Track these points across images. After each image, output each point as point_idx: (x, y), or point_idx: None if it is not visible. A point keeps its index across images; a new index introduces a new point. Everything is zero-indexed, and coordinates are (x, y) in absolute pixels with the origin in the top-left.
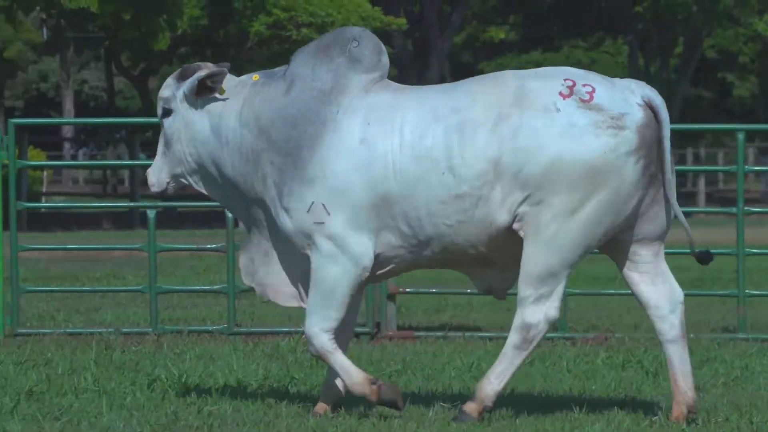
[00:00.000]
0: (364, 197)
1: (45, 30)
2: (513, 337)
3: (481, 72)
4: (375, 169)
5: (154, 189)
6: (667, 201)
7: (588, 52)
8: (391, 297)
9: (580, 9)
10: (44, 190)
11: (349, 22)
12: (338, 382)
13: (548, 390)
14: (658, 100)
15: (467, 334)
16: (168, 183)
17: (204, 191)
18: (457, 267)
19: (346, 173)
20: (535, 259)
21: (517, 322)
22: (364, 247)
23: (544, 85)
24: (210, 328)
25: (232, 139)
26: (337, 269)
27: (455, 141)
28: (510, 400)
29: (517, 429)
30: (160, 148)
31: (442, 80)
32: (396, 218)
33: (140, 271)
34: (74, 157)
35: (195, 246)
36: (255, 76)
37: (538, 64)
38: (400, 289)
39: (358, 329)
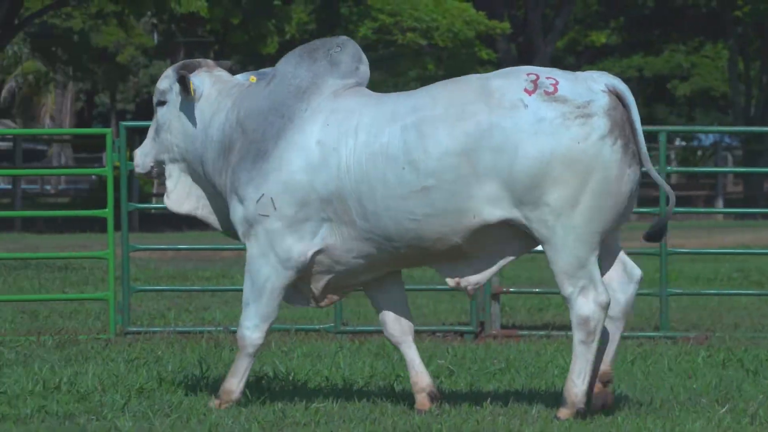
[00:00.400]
0: (311, 195)
1: (156, 34)
2: (577, 335)
3: None
4: (327, 169)
5: (137, 170)
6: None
7: (688, 56)
8: (495, 296)
9: (680, 13)
10: (154, 191)
11: (454, 27)
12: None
13: (649, 388)
14: (622, 86)
15: (570, 333)
16: (152, 167)
17: (172, 184)
18: (427, 262)
19: (299, 171)
20: (558, 259)
21: (574, 319)
22: (293, 247)
23: (508, 82)
24: (317, 327)
25: (217, 137)
26: (268, 267)
27: (413, 137)
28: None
29: (619, 427)
30: (151, 133)
31: None
32: (350, 213)
33: None
34: None
35: None
36: (252, 78)
37: (640, 69)
38: (504, 289)
39: (463, 328)
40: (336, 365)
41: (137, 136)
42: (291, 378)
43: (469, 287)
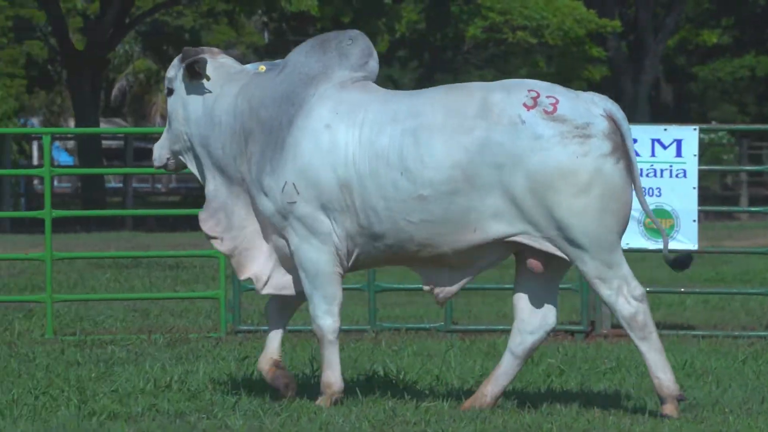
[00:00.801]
0: (325, 178)
1: (267, 33)
2: (633, 335)
3: (695, 76)
4: (336, 154)
5: (155, 164)
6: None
7: None
8: None
9: None
10: None
11: (564, 25)
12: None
13: (761, 388)
14: (620, 114)
15: (680, 332)
16: (168, 159)
17: (195, 172)
18: (410, 264)
19: (310, 154)
20: (587, 269)
21: (623, 322)
22: (328, 226)
23: (508, 96)
24: (427, 326)
25: (225, 121)
26: (312, 250)
27: (410, 143)
28: (721, 397)
29: (729, 426)
30: (167, 125)
31: (656, 83)
32: (354, 205)
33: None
34: None
35: None
36: (261, 67)
37: (752, 68)
38: None
39: (573, 327)
40: (446, 364)
41: None
42: (401, 377)
43: (440, 295)
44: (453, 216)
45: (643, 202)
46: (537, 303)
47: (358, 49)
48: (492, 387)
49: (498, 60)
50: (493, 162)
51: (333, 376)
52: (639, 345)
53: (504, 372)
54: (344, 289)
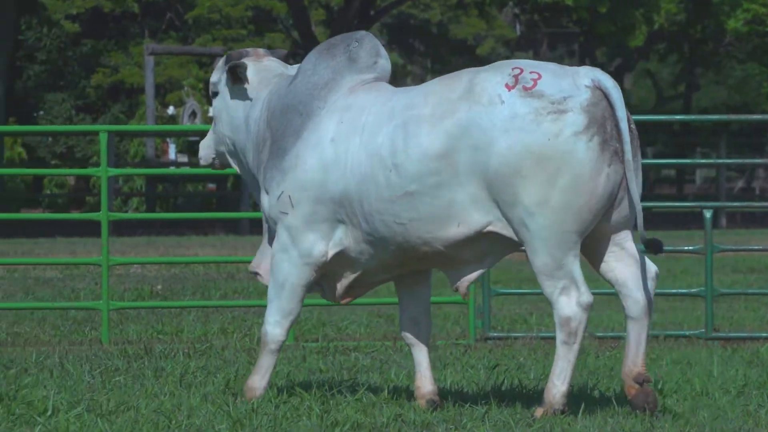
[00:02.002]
0: (325, 195)
1: (518, 25)
2: (559, 336)
3: None
4: (337, 167)
5: (201, 162)
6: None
7: None
8: None
9: None
10: None
11: None
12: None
13: None
14: (609, 83)
15: None
16: (213, 158)
17: (243, 176)
18: (425, 266)
19: (313, 170)
20: (535, 259)
21: (556, 320)
22: (314, 245)
23: (492, 77)
24: (686, 333)
25: (254, 129)
26: (288, 262)
27: (400, 138)
28: None
29: None
30: (212, 125)
31: None
32: (357, 215)
33: None
34: None
35: (672, 247)
36: None
37: None
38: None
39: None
40: (707, 373)
41: None
42: (659, 387)
43: (460, 288)
44: (438, 211)
45: (629, 179)
46: (628, 263)
47: (364, 50)
48: (633, 358)
49: (761, 53)
50: (472, 144)
51: (258, 381)
52: (558, 346)
53: (636, 341)
54: (598, 294)
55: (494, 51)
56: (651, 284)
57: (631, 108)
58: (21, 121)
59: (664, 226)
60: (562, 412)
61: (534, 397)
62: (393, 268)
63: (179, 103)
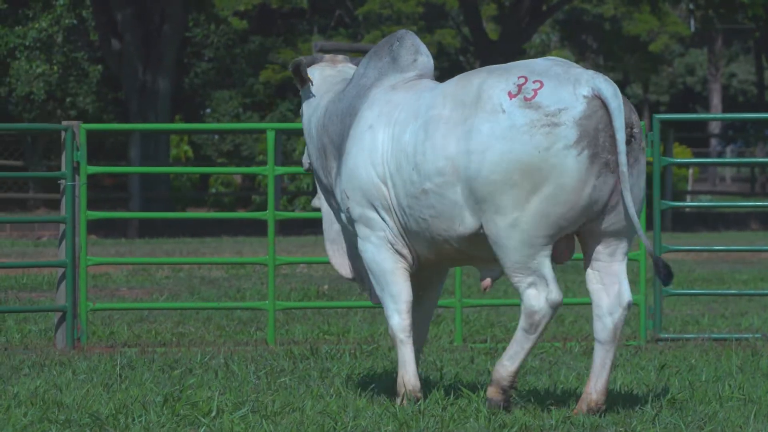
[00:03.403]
0: (366, 177)
1: (692, 22)
2: (521, 322)
3: None
4: (374, 153)
5: (303, 166)
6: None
7: None
8: None
9: None
10: (689, 188)
11: None
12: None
13: None
14: (609, 91)
15: None
16: (309, 162)
17: None
18: (457, 264)
19: (355, 156)
20: (504, 257)
21: (522, 307)
22: (381, 223)
23: (497, 84)
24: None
25: (315, 134)
26: (372, 248)
27: (421, 138)
28: None
29: None
30: None
31: None
32: (391, 203)
33: None
34: (721, 154)
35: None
36: None
37: None
38: None
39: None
40: None
41: (671, 130)
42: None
43: (483, 283)
44: (447, 210)
45: (624, 190)
46: (609, 286)
47: (404, 48)
48: (593, 383)
49: None
50: (472, 149)
51: (407, 375)
52: (518, 330)
53: (600, 365)
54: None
55: (667, 47)
56: (621, 312)
57: None
58: (188, 119)
59: None
60: (513, 388)
61: (706, 400)
62: (432, 264)
63: None
